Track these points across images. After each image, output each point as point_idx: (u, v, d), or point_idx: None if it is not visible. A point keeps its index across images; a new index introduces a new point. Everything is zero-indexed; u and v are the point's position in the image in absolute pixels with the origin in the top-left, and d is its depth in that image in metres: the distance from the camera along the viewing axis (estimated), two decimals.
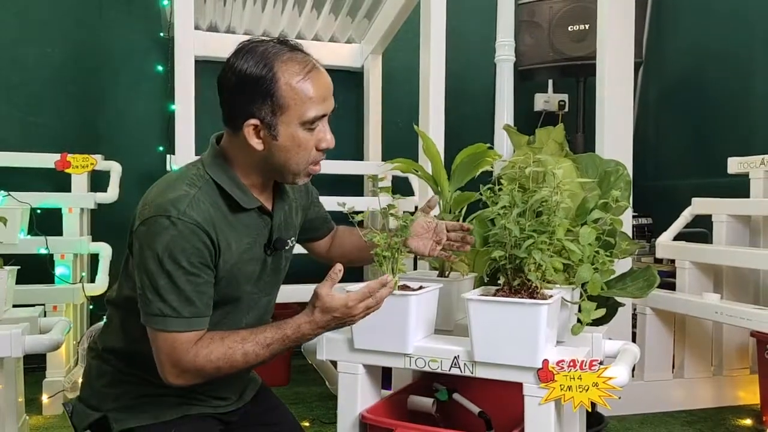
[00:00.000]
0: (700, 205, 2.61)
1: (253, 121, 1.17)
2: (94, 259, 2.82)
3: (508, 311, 1.25)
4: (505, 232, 1.32)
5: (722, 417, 2.38)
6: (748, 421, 2.32)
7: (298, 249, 1.49)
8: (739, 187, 2.71)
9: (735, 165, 2.62)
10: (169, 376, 1.15)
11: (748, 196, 2.58)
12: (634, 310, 2.50)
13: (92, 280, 2.71)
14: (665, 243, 2.59)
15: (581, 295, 1.40)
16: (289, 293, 1.95)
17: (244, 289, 1.25)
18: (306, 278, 2.39)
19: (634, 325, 2.49)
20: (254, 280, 1.28)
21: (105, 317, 1.36)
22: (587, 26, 3.09)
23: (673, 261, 2.71)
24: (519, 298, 1.28)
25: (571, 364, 1.23)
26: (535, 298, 1.28)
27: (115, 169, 2.86)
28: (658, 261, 2.97)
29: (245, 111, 1.17)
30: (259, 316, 1.33)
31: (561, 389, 1.23)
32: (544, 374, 1.23)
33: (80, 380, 2.53)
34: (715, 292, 2.39)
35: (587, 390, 1.23)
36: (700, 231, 2.88)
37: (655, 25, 3.81)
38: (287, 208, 1.36)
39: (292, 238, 1.39)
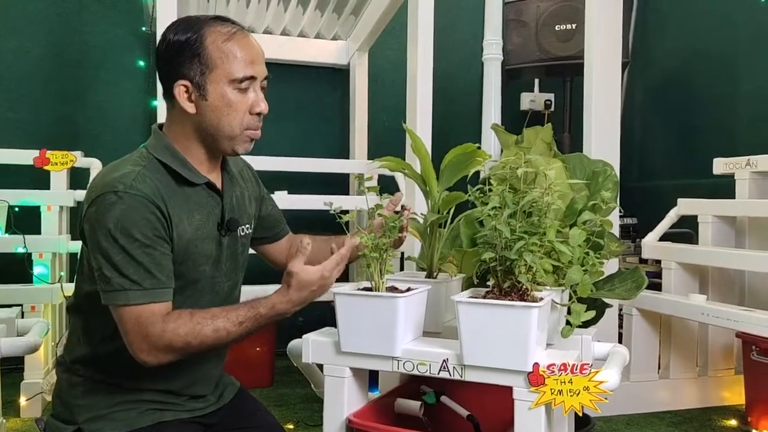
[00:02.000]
0: (686, 206, 2.62)
1: (183, 81, 1.19)
2: (73, 258, 2.76)
3: (499, 314, 1.23)
4: (495, 233, 1.30)
5: (708, 417, 2.38)
6: (733, 422, 2.32)
7: None
8: (724, 187, 2.72)
9: (720, 166, 2.63)
10: (140, 353, 1.12)
11: (732, 197, 2.59)
12: (620, 310, 2.50)
13: (71, 279, 2.65)
14: (651, 243, 2.60)
15: (570, 297, 1.39)
16: (251, 294, 1.90)
17: (202, 270, 1.24)
18: (268, 280, 2.37)
19: (620, 326, 2.49)
20: (213, 261, 1.26)
21: (67, 329, 1.33)
22: (574, 26, 3.09)
23: (658, 261, 2.71)
24: (509, 300, 1.26)
25: (562, 367, 1.21)
26: (525, 301, 1.26)
27: (95, 166, 2.80)
28: (643, 261, 2.98)
29: (175, 73, 1.19)
30: (224, 302, 1.30)
31: (551, 393, 1.22)
32: (535, 378, 1.22)
33: None
34: (700, 293, 2.40)
35: (578, 394, 1.22)
36: (685, 231, 2.89)
37: (641, 26, 3.83)
38: (239, 193, 1.35)
39: (248, 225, 1.37)
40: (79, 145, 2.96)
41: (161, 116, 2.25)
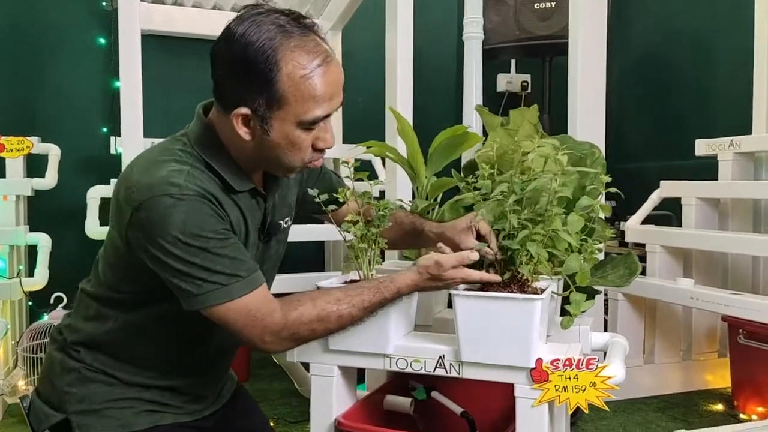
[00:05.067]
0: (668, 188, 2.58)
1: (244, 110, 1.03)
2: (32, 250, 2.61)
3: (499, 307, 1.15)
4: (494, 221, 1.22)
5: (693, 402, 2.37)
6: (719, 406, 2.31)
7: (291, 237, 1.36)
8: (703, 169, 2.70)
9: (703, 147, 2.60)
10: (264, 345, 1.07)
11: (711, 179, 2.56)
12: (605, 296, 2.46)
13: (31, 273, 2.51)
14: (635, 227, 2.56)
15: (566, 286, 1.32)
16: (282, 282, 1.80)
17: None
18: (300, 269, 2.30)
19: (605, 312, 2.46)
20: None
21: (75, 304, 1.22)
22: (554, 4, 3.02)
23: (638, 244, 2.68)
24: (509, 292, 1.19)
25: (567, 362, 1.15)
26: (525, 292, 1.19)
27: (53, 152, 2.66)
28: (623, 244, 2.95)
29: (237, 96, 1.04)
30: None
31: (556, 390, 1.15)
32: (538, 374, 1.15)
33: (20, 383, 2.35)
34: (685, 276, 2.37)
35: (584, 390, 1.16)
36: (666, 214, 2.86)
37: (618, 5, 3.77)
38: (281, 189, 1.24)
39: (287, 219, 1.27)
40: (35, 130, 2.81)
41: (124, 98, 2.13)
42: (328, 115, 1.08)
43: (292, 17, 1.05)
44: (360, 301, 1.10)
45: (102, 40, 3.10)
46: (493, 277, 1.18)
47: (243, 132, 1.05)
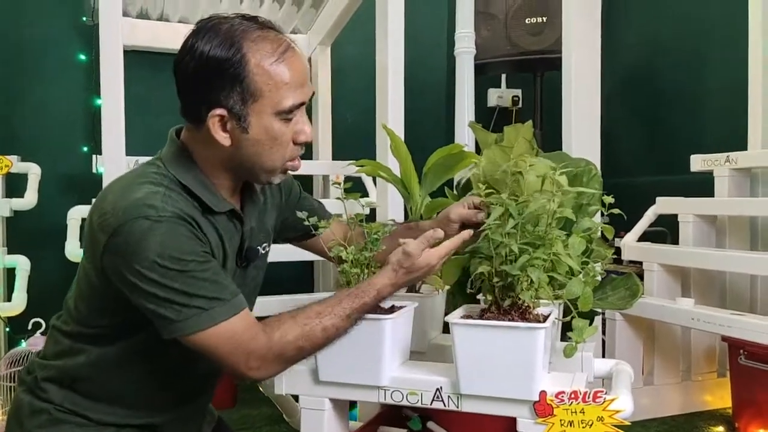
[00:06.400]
0: (665, 205, 2.53)
1: (219, 111, 1.02)
2: (10, 274, 2.52)
3: (501, 336, 1.10)
4: (491, 245, 1.16)
5: (694, 424, 2.30)
6: (720, 429, 2.25)
7: (273, 257, 1.32)
8: (696, 184, 2.66)
9: (698, 162, 2.55)
10: (249, 372, 1.02)
11: (705, 194, 2.52)
12: (603, 315, 2.40)
13: (8, 298, 2.41)
14: (632, 244, 2.50)
15: (567, 310, 1.26)
16: (269, 304, 1.73)
17: None
18: (288, 289, 2.23)
19: (602, 332, 2.39)
20: None
21: (46, 340, 1.17)
22: (545, 19, 2.98)
23: (632, 262, 2.62)
24: (509, 320, 1.13)
25: (573, 396, 1.09)
26: (527, 319, 1.14)
27: (33, 171, 2.58)
28: (618, 261, 2.89)
29: (209, 99, 1.02)
30: None
31: (561, 425, 1.09)
32: (542, 408, 1.10)
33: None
34: (683, 296, 2.32)
35: (591, 425, 1.09)
36: (660, 230, 2.81)
37: (607, 19, 3.76)
38: (258, 213, 1.20)
39: (264, 245, 1.23)
40: (14, 149, 2.72)
41: (106, 116, 2.06)
42: (302, 104, 1.07)
43: (248, 18, 1.06)
44: (341, 310, 1.06)
45: (83, 57, 3.03)
46: (464, 234, 1.17)
47: (222, 137, 1.03)
